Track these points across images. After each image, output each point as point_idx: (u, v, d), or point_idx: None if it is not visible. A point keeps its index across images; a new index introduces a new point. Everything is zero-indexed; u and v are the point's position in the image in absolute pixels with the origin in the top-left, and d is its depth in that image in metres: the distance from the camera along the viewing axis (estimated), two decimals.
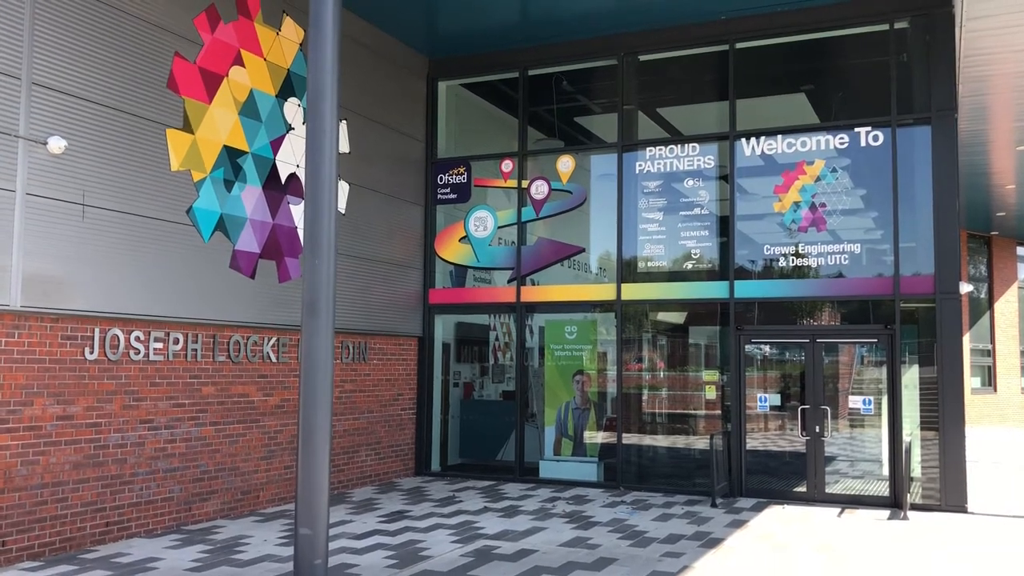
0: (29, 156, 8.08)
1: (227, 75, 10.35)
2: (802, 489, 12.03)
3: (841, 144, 12.15)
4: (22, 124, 8.04)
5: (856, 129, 12.08)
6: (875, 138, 11.97)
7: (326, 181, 6.40)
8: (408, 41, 13.89)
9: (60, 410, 8.40)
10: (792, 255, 12.32)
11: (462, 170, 14.31)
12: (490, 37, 13.63)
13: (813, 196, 12.22)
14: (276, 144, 11.13)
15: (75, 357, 8.59)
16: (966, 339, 23.91)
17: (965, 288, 11.78)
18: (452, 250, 14.41)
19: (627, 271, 13.16)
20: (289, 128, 11.36)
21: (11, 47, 7.95)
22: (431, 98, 14.57)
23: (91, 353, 8.74)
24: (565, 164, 13.74)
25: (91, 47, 8.73)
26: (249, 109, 10.69)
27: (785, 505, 11.55)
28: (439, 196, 14.45)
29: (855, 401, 12.24)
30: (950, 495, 11.25)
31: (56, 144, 8.22)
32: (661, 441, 13.78)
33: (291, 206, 11.38)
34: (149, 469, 9.33)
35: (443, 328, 14.74)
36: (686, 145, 13.01)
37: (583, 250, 13.96)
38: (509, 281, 13.94)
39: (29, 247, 8.06)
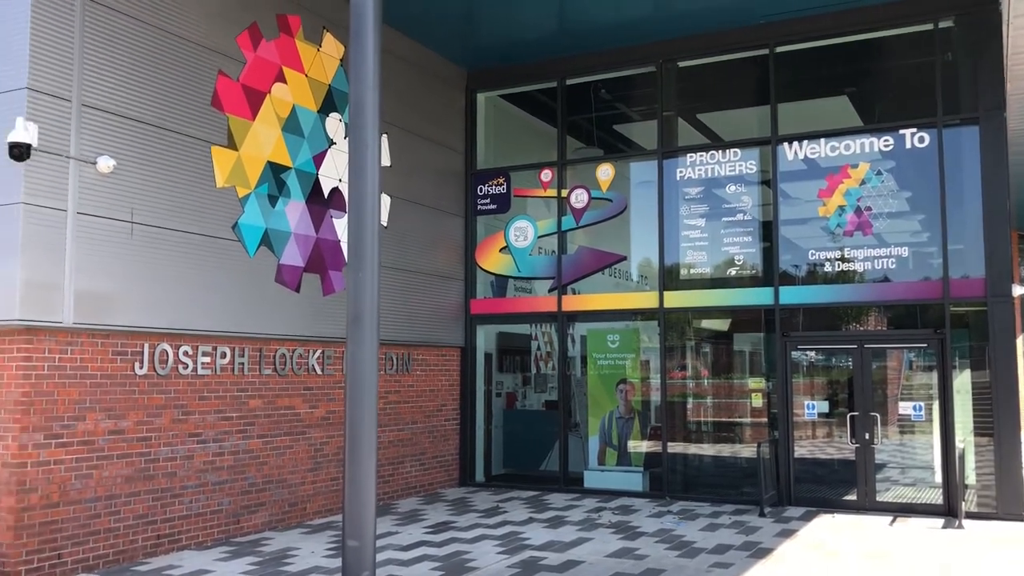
0: (79, 176, 8.26)
1: (269, 92, 10.50)
2: (852, 497, 11.83)
3: (886, 146, 11.96)
4: (72, 144, 8.22)
5: (901, 131, 11.89)
6: (921, 139, 11.77)
7: (369, 195, 6.45)
8: (446, 54, 13.98)
9: (112, 424, 8.55)
10: (838, 260, 12.15)
11: (502, 181, 14.34)
12: (528, 48, 13.66)
13: (858, 200, 12.04)
14: (318, 159, 11.25)
15: (125, 372, 8.74)
16: (1019, 342, 23.36)
17: (1018, 290, 11.51)
18: (493, 260, 14.44)
19: (669, 278, 13.07)
20: (331, 143, 11.48)
21: (62, 70, 8.14)
22: (470, 110, 14.64)
23: (141, 368, 8.89)
24: (605, 172, 13.70)
25: (138, 68, 8.91)
26: (291, 125, 10.83)
27: (835, 514, 11.36)
28: (479, 207, 14.50)
29: (905, 407, 12.01)
30: (1007, 503, 10.97)
31: (105, 163, 8.39)
32: (707, 450, 13.64)
33: (334, 220, 11.49)
34: (198, 482, 9.46)
35: (485, 338, 14.76)
36: (727, 150, 12.91)
37: (624, 258, 13.91)
38: (550, 290, 13.92)
39: (80, 265, 8.23)
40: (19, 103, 7.84)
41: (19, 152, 7.52)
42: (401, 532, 10.20)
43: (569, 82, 14.09)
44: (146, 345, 8.95)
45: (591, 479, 13.47)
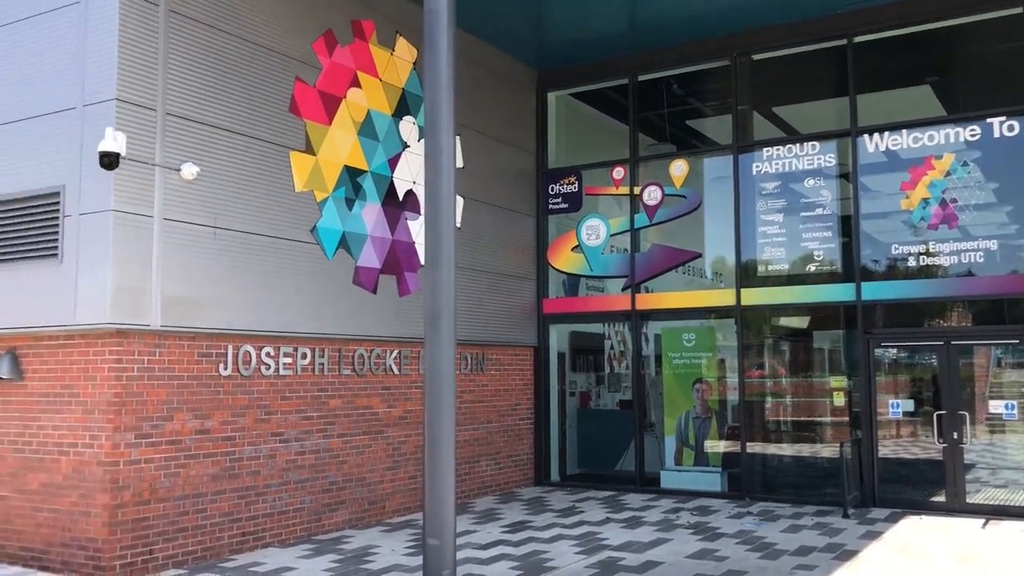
0: (164, 182, 8.51)
1: (345, 97, 10.66)
2: (940, 499, 11.46)
3: (972, 136, 11.56)
4: (157, 152, 8.47)
5: (989, 119, 11.47)
6: (1010, 128, 11.34)
7: (445, 196, 6.49)
8: (517, 55, 14.00)
9: (198, 424, 8.79)
10: (921, 254, 11.79)
11: (573, 179, 14.31)
12: (598, 46, 13.59)
13: (943, 192, 11.66)
14: (393, 162, 11.39)
15: (210, 373, 8.98)
16: None
17: None
18: (565, 259, 14.41)
19: (746, 275, 12.85)
20: (405, 146, 11.60)
21: (148, 81, 8.40)
22: (541, 109, 14.64)
23: (225, 369, 9.12)
24: (678, 168, 13.55)
25: (218, 76, 9.14)
26: (367, 129, 10.98)
27: (922, 516, 11.02)
28: (551, 206, 14.48)
29: (996, 406, 11.58)
30: None
31: (189, 170, 8.63)
32: (786, 450, 13.38)
33: (409, 222, 11.61)
34: (281, 480, 9.66)
35: (557, 337, 14.74)
36: (805, 144, 12.64)
37: (699, 255, 13.74)
38: (623, 289, 13.83)
39: (166, 269, 8.48)
40: (108, 114, 8.11)
41: (109, 161, 7.79)
42: (479, 531, 10.25)
43: (641, 78, 13.97)
44: (230, 347, 9.17)
45: (668, 479, 13.34)
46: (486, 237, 13.21)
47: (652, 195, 13.65)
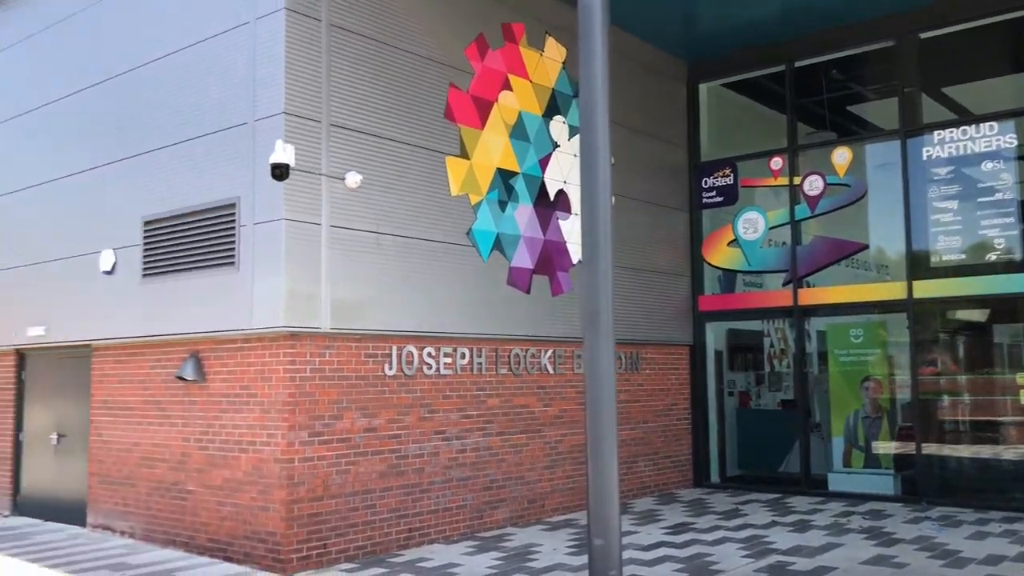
0: (330, 191, 8.86)
1: (497, 100, 10.78)
2: None
3: None
4: (323, 163, 8.83)
5: None
6: None
7: (601, 194, 6.45)
8: (666, 47, 13.78)
9: (366, 423, 9.10)
10: None
11: (728, 172, 13.93)
12: (751, 34, 13.18)
13: None
14: (544, 162, 11.43)
15: (376, 373, 9.27)
16: None
17: None
18: (720, 255, 14.06)
19: (917, 267, 12.14)
20: (555, 146, 11.62)
21: (313, 94, 8.77)
22: (692, 102, 14.34)
23: (390, 369, 9.40)
24: (841, 156, 12.95)
25: (377, 86, 9.43)
26: (518, 131, 11.07)
27: None
28: (704, 200, 14.16)
29: None
30: None
31: (353, 179, 8.95)
32: (966, 451, 12.54)
33: (560, 222, 11.63)
34: (444, 478, 9.87)
35: (714, 336, 14.40)
36: (980, 125, 11.81)
37: (865, 247, 13.08)
38: (784, 284, 13.35)
39: (334, 274, 8.82)
40: (277, 127, 8.52)
41: (280, 172, 8.17)
42: (640, 532, 10.13)
43: (798, 64, 13.45)
44: (393, 347, 9.45)
45: (836, 482, 12.77)
46: (638, 234, 13.06)
47: (813, 185, 13.11)
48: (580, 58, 6.39)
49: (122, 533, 10.05)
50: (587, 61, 6.45)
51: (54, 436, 11.32)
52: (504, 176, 10.84)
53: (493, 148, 10.70)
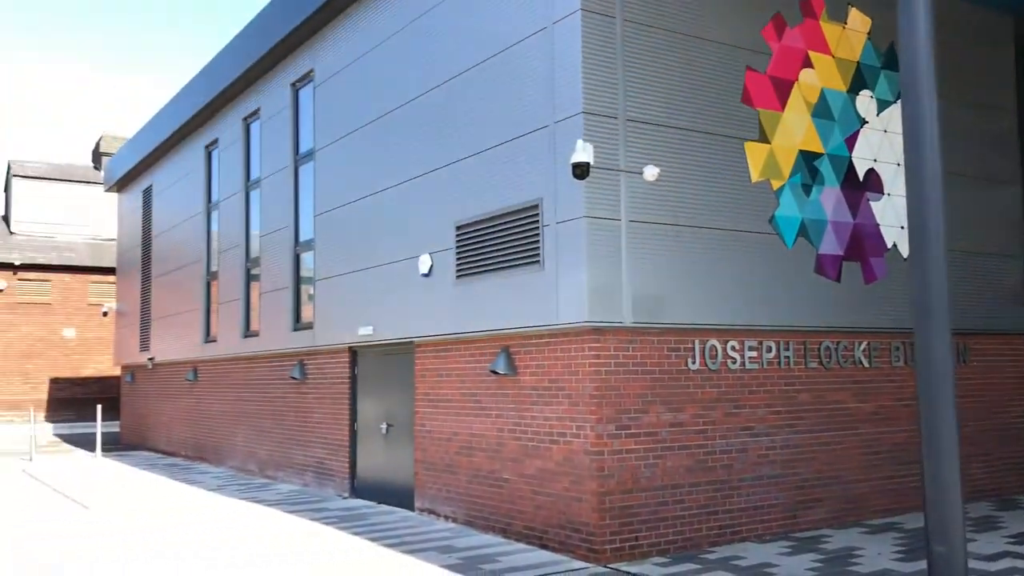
0: (628, 186, 8.90)
1: (797, 79, 10.27)
2: None
3: None
4: (621, 158, 8.89)
5: None
6: None
7: (929, 172, 5.95)
8: (990, 4, 12.38)
9: (671, 417, 9.04)
10: None
11: None
12: None
13: None
14: (851, 141, 10.72)
15: (680, 367, 9.19)
16: None
17: None
18: None
19: None
20: (863, 122, 10.86)
21: (609, 91, 8.86)
22: (1021, 61, 12.78)
23: (693, 363, 9.27)
24: None
25: (671, 77, 9.34)
26: (821, 109, 10.47)
27: None
28: None
29: None
30: None
31: (650, 172, 8.92)
32: None
33: (871, 203, 10.85)
34: (754, 475, 9.56)
35: None
36: None
37: None
38: None
39: (633, 268, 8.85)
40: (576, 127, 8.70)
41: (580, 171, 8.33)
42: (979, 539, 9.18)
43: None
44: (696, 341, 9.31)
45: None
46: (961, 213, 11.83)
47: None
48: (899, 26, 5.94)
49: (446, 517, 10.78)
50: (909, 28, 5.97)
51: (384, 425, 12.40)
52: (807, 158, 10.30)
53: (795, 130, 10.21)
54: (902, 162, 11.13)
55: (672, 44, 9.37)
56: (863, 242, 10.72)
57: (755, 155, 9.85)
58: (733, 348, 9.57)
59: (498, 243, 9.81)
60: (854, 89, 10.83)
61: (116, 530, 10.65)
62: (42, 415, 32.29)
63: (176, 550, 9.40)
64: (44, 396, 33.04)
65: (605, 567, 8.33)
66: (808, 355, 10.21)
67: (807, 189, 10.26)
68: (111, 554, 9.25)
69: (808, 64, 10.40)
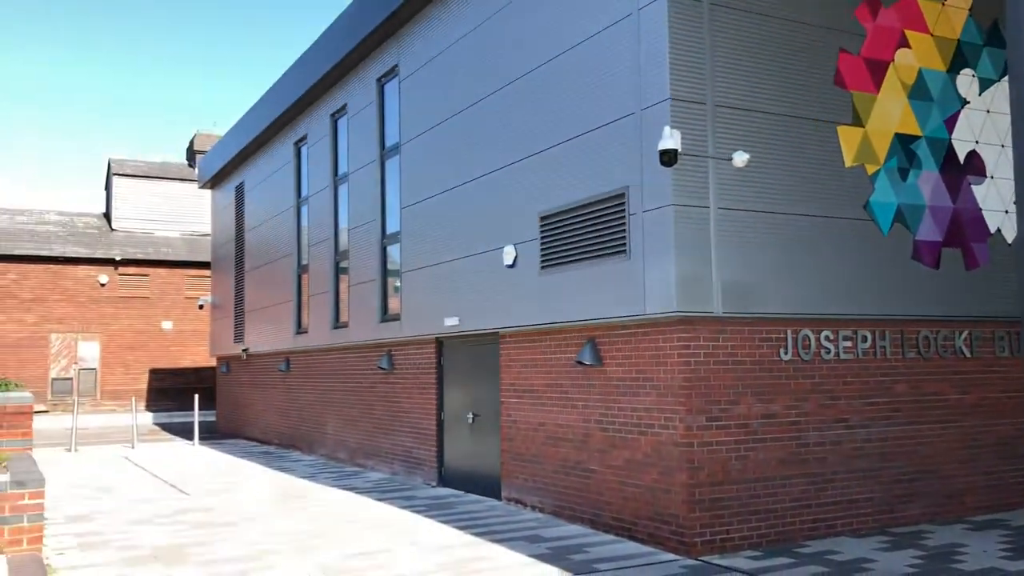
0: (717, 173, 8.74)
1: (893, 60, 9.92)
2: None
3: None
4: (710, 144, 8.73)
5: None
6: None
7: None
8: None
9: (763, 409, 8.86)
10: None
11: None
12: None
13: None
14: (950, 122, 10.31)
15: (771, 358, 9.00)
16: None
17: None
18: None
19: None
20: (964, 103, 10.43)
21: (697, 77, 8.71)
22: None
23: (785, 354, 9.07)
24: None
25: (761, 61, 9.13)
26: (918, 91, 10.10)
27: None
28: None
29: None
30: None
31: (740, 158, 8.75)
32: None
33: (973, 187, 10.42)
34: (848, 468, 9.31)
35: None
36: None
37: None
38: None
39: (723, 257, 8.70)
40: (663, 114, 8.58)
41: (668, 159, 8.22)
42: None
43: None
44: (788, 331, 9.10)
45: None
46: None
47: None
48: (1008, 1, 5.68)
49: (532, 507, 10.81)
50: (1017, 2, 5.71)
51: (470, 415, 12.51)
52: (904, 141, 9.95)
53: (890, 112, 9.87)
54: (1007, 143, 10.72)
55: (761, 27, 9.16)
56: (964, 227, 10.31)
57: (849, 139, 9.56)
58: (827, 338, 9.33)
59: (583, 233, 9.76)
60: (954, 68, 10.41)
61: (219, 516, 11.02)
62: (142, 405, 33.63)
63: (278, 539, 9.67)
64: (144, 386, 34.40)
65: (696, 559, 8.23)
66: (906, 345, 9.88)
67: (904, 173, 9.91)
68: (218, 538, 9.57)
69: (904, 44, 10.03)
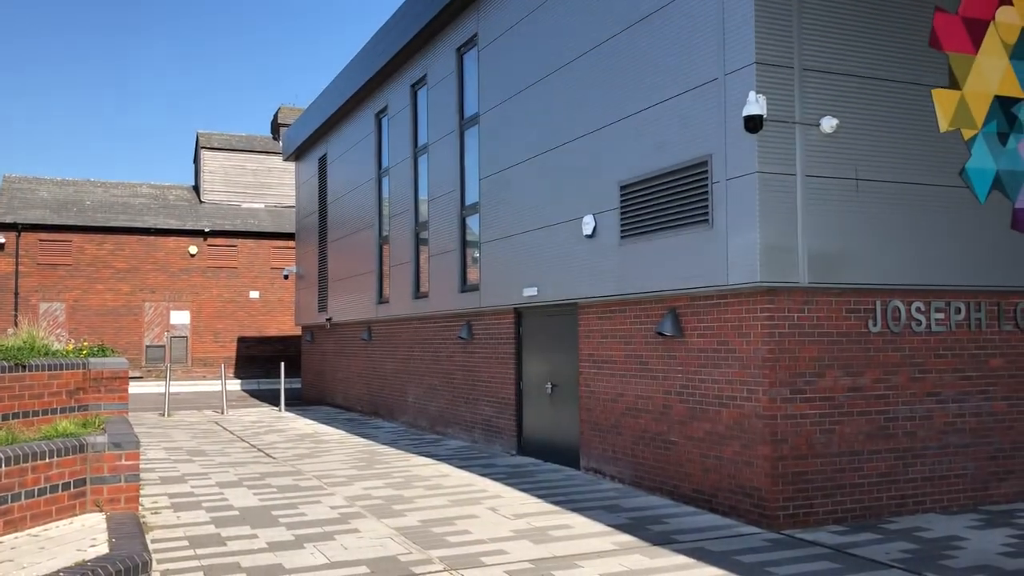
0: (804, 139, 8.48)
1: (993, 18, 9.45)
2: None
3: None
4: (797, 110, 8.47)
5: None
6: None
7: None
8: None
9: (850, 382, 8.64)
10: None
11: None
12: None
13: None
14: None
15: (859, 330, 8.75)
16: None
17: None
18: None
19: None
20: None
21: (783, 40, 8.44)
22: None
23: (874, 325, 8.80)
24: None
25: (850, 23, 8.79)
26: (1021, 50, 9.60)
27: None
28: None
29: None
30: None
31: (828, 124, 8.47)
32: None
33: None
34: (939, 444, 9.03)
35: None
36: None
37: None
38: None
39: (810, 226, 8.46)
40: (748, 79, 8.36)
41: (753, 125, 8.02)
42: None
43: None
44: (877, 302, 8.83)
45: None
46: None
47: None
48: None
49: (611, 477, 10.80)
50: None
51: (548, 385, 12.53)
52: (1004, 104, 9.49)
53: (990, 74, 9.41)
54: None
55: None
56: None
57: (944, 102, 9.16)
58: (918, 309, 9.02)
59: (664, 202, 9.61)
60: None
61: (304, 480, 11.33)
62: (231, 372, 34.74)
63: (360, 504, 9.89)
64: (232, 354, 35.51)
65: (778, 533, 8.11)
66: (1003, 317, 9.49)
67: (1003, 138, 9.47)
68: (303, 501, 9.85)
69: (1006, 1, 9.53)
